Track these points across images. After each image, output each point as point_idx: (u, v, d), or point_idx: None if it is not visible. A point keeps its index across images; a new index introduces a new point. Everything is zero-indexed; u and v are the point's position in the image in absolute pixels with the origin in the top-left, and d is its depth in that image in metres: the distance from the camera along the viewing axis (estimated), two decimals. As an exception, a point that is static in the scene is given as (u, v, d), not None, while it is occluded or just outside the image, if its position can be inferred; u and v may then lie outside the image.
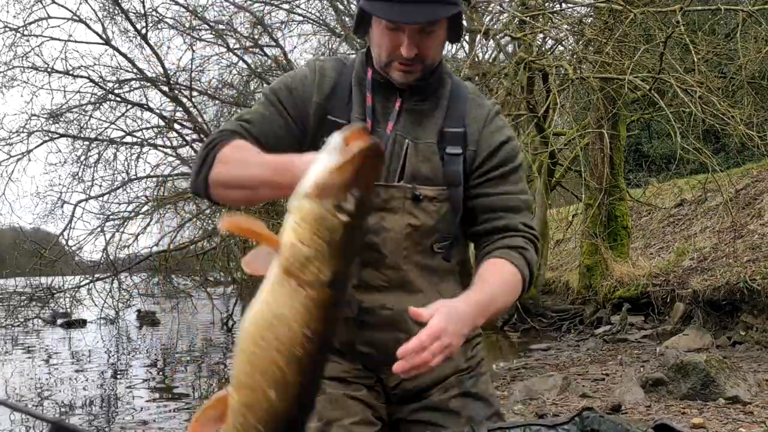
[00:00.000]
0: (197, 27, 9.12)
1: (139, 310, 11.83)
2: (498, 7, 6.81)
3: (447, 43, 1.37)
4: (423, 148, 1.33)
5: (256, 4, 9.07)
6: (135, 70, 8.96)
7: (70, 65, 8.77)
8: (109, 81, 9.01)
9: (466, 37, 8.40)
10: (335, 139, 0.92)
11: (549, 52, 6.99)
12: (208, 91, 9.52)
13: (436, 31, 1.29)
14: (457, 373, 1.37)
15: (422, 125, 1.34)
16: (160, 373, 7.12)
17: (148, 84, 8.96)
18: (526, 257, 1.31)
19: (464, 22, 1.30)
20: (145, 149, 9.38)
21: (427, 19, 1.25)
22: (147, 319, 11.83)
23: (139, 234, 9.52)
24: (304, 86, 1.35)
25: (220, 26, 9.16)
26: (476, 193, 1.34)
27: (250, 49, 9.34)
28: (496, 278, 1.26)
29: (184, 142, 9.29)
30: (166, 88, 8.76)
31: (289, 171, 1.05)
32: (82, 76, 8.83)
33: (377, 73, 1.34)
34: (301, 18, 9.63)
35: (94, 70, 8.88)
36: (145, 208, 9.49)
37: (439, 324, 1.08)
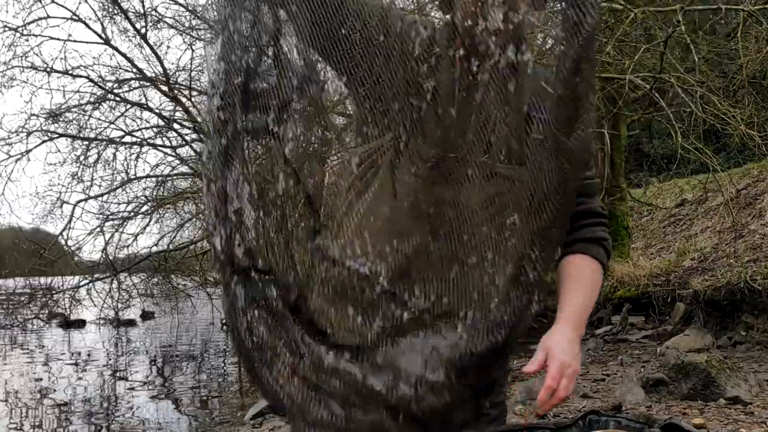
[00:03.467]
0: (197, 26, 9.11)
1: (142, 310, 11.80)
2: (498, 7, 6.80)
3: None
4: (510, 123, 1.27)
5: (256, 4, 9.05)
6: (134, 70, 8.96)
7: (69, 65, 8.79)
8: (108, 81, 9.01)
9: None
10: None
11: (549, 52, 6.98)
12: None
13: None
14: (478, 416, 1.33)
15: (509, 101, 1.27)
16: (160, 373, 7.11)
17: (148, 84, 8.95)
18: (605, 247, 1.33)
19: None
20: (144, 149, 9.37)
21: None
22: (127, 321, 11.54)
23: (138, 234, 9.52)
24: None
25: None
26: None
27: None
28: (584, 283, 1.30)
29: (184, 142, 9.28)
30: (165, 88, 8.74)
31: None
32: (81, 76, 8.83)
33: None
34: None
35: (93, 70, 8.89)
36: (145, 208, 9.48)
37: (556, 369, 1.16)
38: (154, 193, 9.50)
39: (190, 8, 9.00)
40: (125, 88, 9.15)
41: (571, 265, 1.32)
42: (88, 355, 8.31)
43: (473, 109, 1.24)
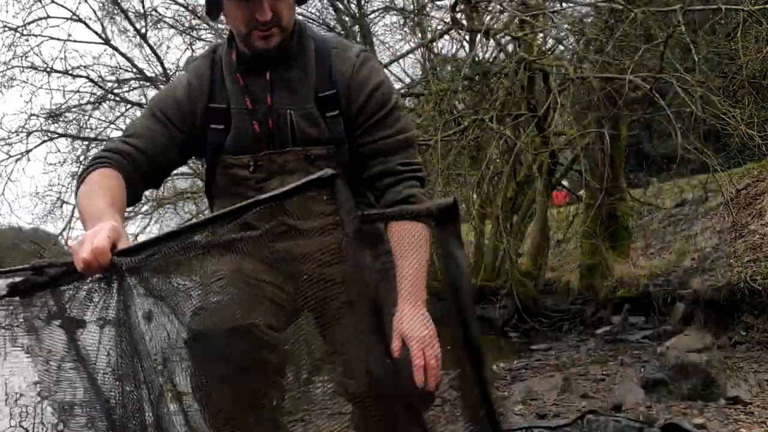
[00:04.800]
0: (197, 26, 9.11)
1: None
2: (498, 7, 6.80)
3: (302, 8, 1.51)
4: (305, 113, 1.42)
5: (256, 4, 9.05)
6: (134, 70, 8.97)
7: (69, 65, 8.80)
8: (108, 81, 9.02)
9: (467, 37, 8.40)
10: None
11: (549, 52, 6.98)
12: (208, 91, 9.50)
13: None
14: None
15: (298, 92, 1.43)
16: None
17: (148, 83, 8.96)
18: (414, 203, 1.41)
19: None
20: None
21: None
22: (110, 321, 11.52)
23: (138, 234, 9.51)
24: (190, 96, 1.44)
25: (220, 26, 9.15)
26: (357, 144, 1.45)
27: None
28: (410, 251, 1.34)
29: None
30: (165, 88, 8.74)
31: (84, 227, 1.26)
32: (81, 76, 8.84)
33: (241, 52, 1.44)
34: (300, 17, 9.61)
35: (93, 70, 8.90)
36: (145, 207, 9.47)
37: (417, 347, 1.26)
38: (154, 193, 9.50)
39: (190, 8, 9.01)
40: (125, 88, 9.16)
41: (392, 234, 1.38)
42: (88, 354, 8.30)
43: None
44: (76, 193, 1.39)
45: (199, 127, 1.44)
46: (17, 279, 1.29)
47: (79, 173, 1.43)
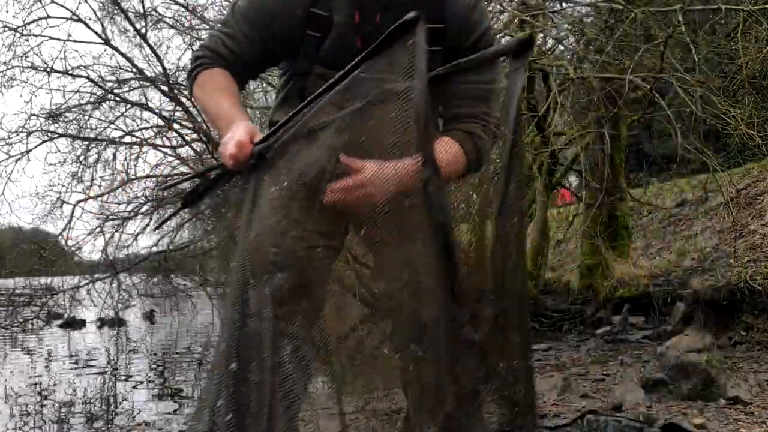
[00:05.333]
0: (197, 26, 9.09)
1: (151, 310, 11.73)
2: (498, 7, 6.79)
3: None
4: None
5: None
6: (134, 70, 8.93)
7: (69, 65, 8.74)
8: (108, 81, 8.97)
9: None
10: None
11: (549, 52, 6.98)
12: (208, 91, 9.48)
13: None
14: None
15: None
16: (160, 373, 7.11)
17: (148, 84, 8.94)
18: (476, 143, 1.41)
19: None
20: (144, 149, 9.36)
21: None
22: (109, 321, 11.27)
23: (138, 234, 9.51)
24: (285, 9, 1.40)
25: (219, 26, 9.13)
26: (451, 81, 1.41)
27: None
28: (440, 154, 1.32)
29: (184, 142, 9.27)
30: (165, 88, 8.73)
31: (218, 128, 1.35)
32: (81, 76, 8.80)
33: None
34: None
35: (93, 70, 8.85)
36: (145, 208, 9.47)
37: (363, 178, 1.24)
38: (155, 194, 9.49)
39: (190, 8, 8.99)
40: (125, 88, 9.13)
41: (440, 140, 1.39)
42: (88, 354, 8.31)
43: None
44: (191, 92, 1.50)
45: (295, 33, 1.40)
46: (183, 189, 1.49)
47: (188, 71, 1.51)
